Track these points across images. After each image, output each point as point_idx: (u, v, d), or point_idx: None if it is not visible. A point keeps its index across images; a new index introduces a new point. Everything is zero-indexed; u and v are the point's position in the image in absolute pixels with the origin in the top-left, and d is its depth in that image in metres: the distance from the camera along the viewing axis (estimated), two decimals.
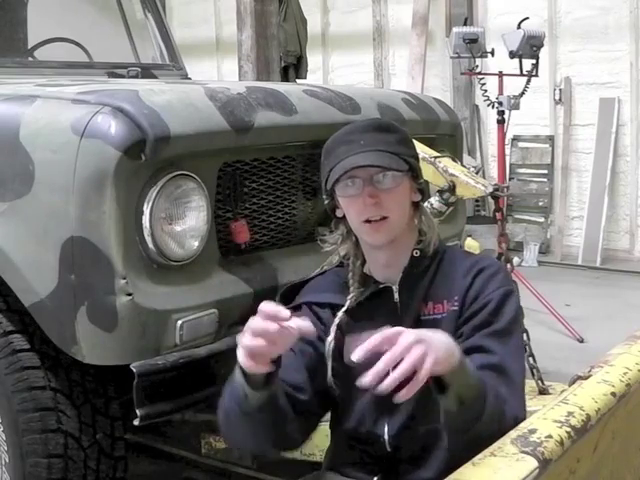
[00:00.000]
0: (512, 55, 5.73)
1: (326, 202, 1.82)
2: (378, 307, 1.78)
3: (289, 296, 1.90)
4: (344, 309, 1.78)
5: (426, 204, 2.44)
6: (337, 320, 1.78)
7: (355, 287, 1.79)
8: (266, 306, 1.48)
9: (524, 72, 5.83)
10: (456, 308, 1.73)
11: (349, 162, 1.70)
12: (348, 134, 1.77)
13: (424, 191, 1.82)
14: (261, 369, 1.53)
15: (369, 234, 1.75)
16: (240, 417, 1.64)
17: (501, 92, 5.96)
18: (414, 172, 1.77)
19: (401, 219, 1.75)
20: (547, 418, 1.30)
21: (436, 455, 1.73)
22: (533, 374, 2.47)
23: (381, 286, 1.78)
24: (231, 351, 2.10)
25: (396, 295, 1.76)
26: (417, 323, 1.73)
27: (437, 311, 1.74)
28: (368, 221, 1.72)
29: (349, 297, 1.78)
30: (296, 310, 1.82)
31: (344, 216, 1.79)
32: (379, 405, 1.75)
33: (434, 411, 1.72)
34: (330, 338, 1.78)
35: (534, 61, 5.78)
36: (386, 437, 1.75)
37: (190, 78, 3.71)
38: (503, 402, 1.57)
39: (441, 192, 2.42)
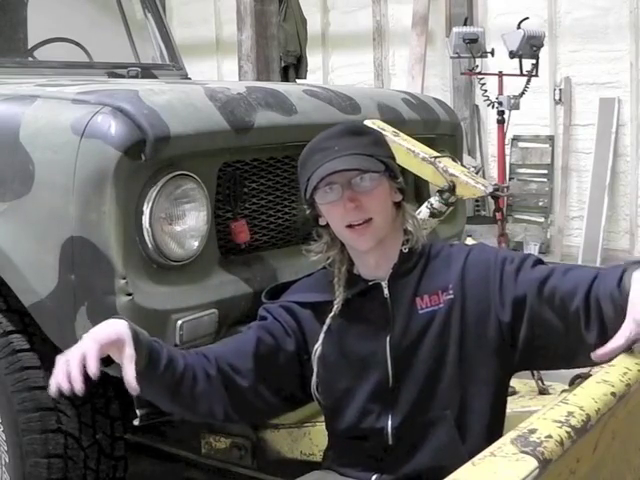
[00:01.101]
0: (512, 55, 5.74)
1: (307, 212, 1.82)
2: (368, 304, 1.78)
3: (276, 295, 1.91)
4: (332, 314, 1.78)
5: (426, 204, 2.44)
6: (325, 327, 1.78)
7: (341, 291, 1.79)
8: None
9: (524, 72, 5.84)
10: (452, 296, 1.74)
11: (325, 168, 1.70)
12: (321, 141, 1.77)
13: (404, 190, 1.82)
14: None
15: (354, 239, 1.74)
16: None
17: (501, 92, 5.97)
18: (391, 172, 1.76)
19: (384, 220, 1.75)
20: (547, 418, 1.30)
21: (432, 442, 1.74)
22: (533, 374, 2.47)
23: (370, 283, 1.78)
24: None
25: (386, 290, 1.76)
26: (416, 318, 1.75)
27: (434, 303, 1.75)
28: (351, 226, 1.72)
29: (336, 302, 1.78)
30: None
31: (327, 224, 1.79)
32: (382, 398, 1.76)
33: (435, 398, 1.74)
34: (317, 344, 1.79)
35: (534, 61, 5.79)
36: (389, 429, 1.76)
37: (190, 78, 3.71)
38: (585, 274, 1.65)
39: (441, 192, 2.42)
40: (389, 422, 1.76)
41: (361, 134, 1.79)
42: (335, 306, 1.78)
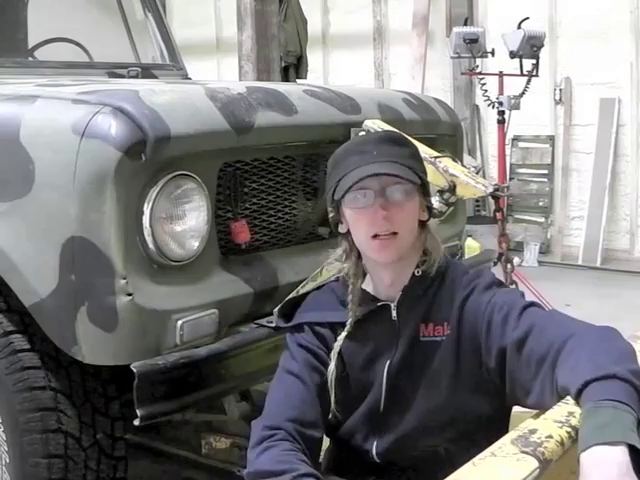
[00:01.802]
0: (512, 55, 5.74)
1: (331, 215, 1.77)
2: (376, 325, 1.75)
3: (288, 311, 1.88)
4: (344, 334, 1.75)
5: None
6: (337, 348, 1.76)
7: (354, 310, 1.75)
8: None
9: (524, 72, 5.83)
10: (449, 332, 1.70)
11: (363, 170, 1.64)
12: (359, 145, 1.72)
13: (432, 210, 1.79)
14: None
15: (377, 251, 1.69)
16: None
17: (501, 92, 5.97)
18: (424, 189, 1.73)
19: (409, 236, 1.70)
20: (547, 418, 1.30)
21: (424, 474, 1.72)
22: None
23: (379, 304, 1.75)
24: (231, 351, 2.12)
25: (394, 313, 1.73)
26: (416, 344, 1.71)
27: (437, 333, 1.70)
28: (376, 236, 1.66)
29: (348, 321, 1.75)
30: (297, 329, 1.82)
31: (348, 232, 1.74)
32: (369, 423, 1.75)
33: (426, 432, 1.70)
34: (332, 367, 1.76)
35: (534, 61, 5.79)
36: (374, 452, 1.75)
37: (190, 78, 3.71)
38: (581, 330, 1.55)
39: (441, 192, 2.41)
40: (374, 446, 1.74)
41: (401, 144, 1.74)
42: (347, 326, 1.75)
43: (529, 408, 1.80)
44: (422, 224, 1.76)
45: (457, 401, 1.69)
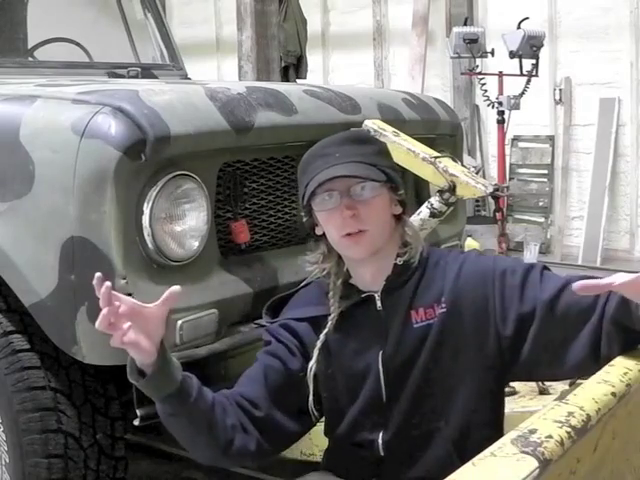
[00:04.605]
0: (512, 55, 5.74)
1: (304, 219, 1.79)
2: (363, 317, 1.75)
3: (276, 309, 1.88)
4: (325, 331, 1.75)
5: (426, 204, 2.44)
6: (319, 344, 1.76)
7: (336, 307, 1.76)
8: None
9: (524, 72, 5.83)
10: (444, 309, 1.71)
11: (325, 174, 1.67)
12: (323, 148, 1.74)
13: (405, 203, 1.79)
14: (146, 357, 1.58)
15: (349, 248, 1.71)
16: (171, 421, 1.65)
17: (501, 92, 5.96)
18: (393, 183, 1.73)
19: (381, 232, 1.71)
20: (547, 418, 1.30)
21: (427, 455, 1.73)
22: None
23: (363, 295, 1.75)
24: (231, 351, 2.13)
25: (379, 303, 1.73)
26: (410, 331, 1.72)
27: (428, 316, 1.71)
28: (348, 234, 1.68)
29: (330, 317, 1.76)
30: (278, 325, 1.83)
31: (324, 233, 1.75)
32: (375, 413, 1.74)
33: (429, 414, 1.72)
34: (312, 362, 1.76)
35: (534, 61, 5.79)
36: (380, 442, 1.74)
37: (190, 78, 3.71)
38: None
39: (441, 192, 2.42)
40: (380, 435, 1.74)
41: (364, 143, 1.76)
42: (329, 322, 1.75)
43: (554, 378, 1.89)
44: (397, 217, 1.77)
45: (459, 378, 1.71)
